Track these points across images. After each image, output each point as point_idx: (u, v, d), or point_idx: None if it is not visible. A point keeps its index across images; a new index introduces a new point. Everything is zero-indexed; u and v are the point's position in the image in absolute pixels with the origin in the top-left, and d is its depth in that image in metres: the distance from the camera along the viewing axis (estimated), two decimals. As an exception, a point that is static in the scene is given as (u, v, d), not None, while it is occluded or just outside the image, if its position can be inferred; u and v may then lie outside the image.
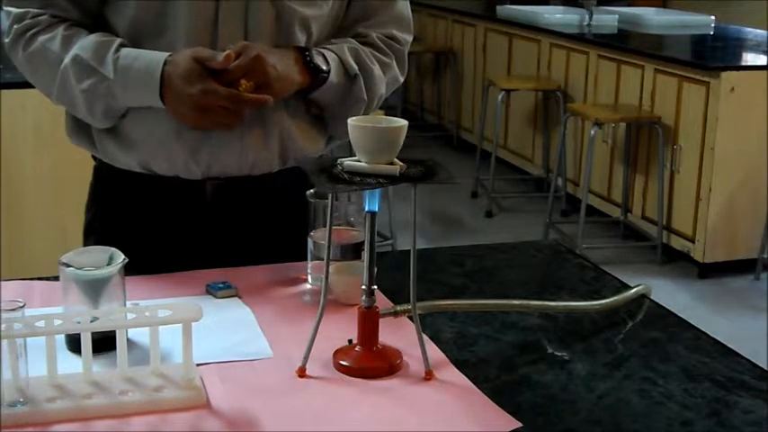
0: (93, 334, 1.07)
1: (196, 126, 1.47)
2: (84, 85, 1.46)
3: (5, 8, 1.52)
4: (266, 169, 1.56)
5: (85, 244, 1.60)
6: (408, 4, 1.65)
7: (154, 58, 1.44)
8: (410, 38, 1.65)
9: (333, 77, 1.52)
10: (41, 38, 1.48)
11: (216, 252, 1.54)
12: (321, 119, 1.61)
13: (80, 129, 1.57)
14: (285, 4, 1.49)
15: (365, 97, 1.57)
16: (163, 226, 1.56)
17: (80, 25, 1.50)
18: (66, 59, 1.46)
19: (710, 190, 4.36)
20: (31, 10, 1.49)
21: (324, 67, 1.51)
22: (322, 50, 1.53)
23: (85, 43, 1.46)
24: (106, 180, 1.61)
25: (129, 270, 1.22)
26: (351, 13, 1.59)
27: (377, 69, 1.58)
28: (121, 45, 1.46)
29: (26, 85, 1.60)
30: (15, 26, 1.50)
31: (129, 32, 1.48)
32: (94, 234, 1.62)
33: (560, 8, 6.56)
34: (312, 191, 1.40)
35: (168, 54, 1.44)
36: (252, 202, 1.57)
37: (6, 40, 1.52)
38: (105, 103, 1.47)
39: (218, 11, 1.46)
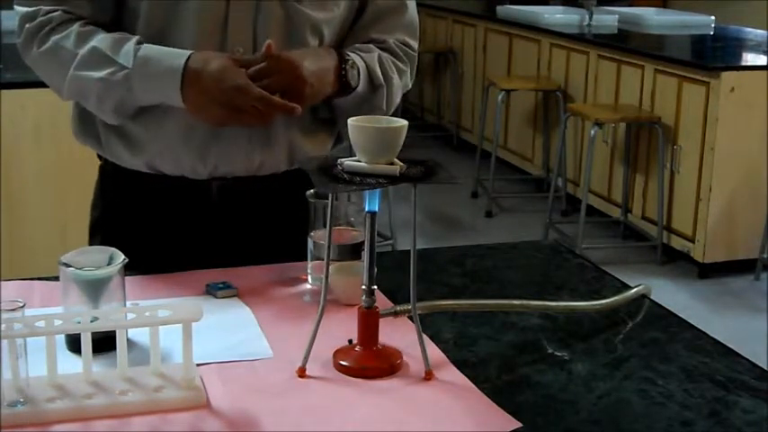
0: (93, 334, 1.07)
1: (221, 124, 1.46)
2: (101, 74, 1.43)
3: (16, 7, 1.51)
4: (273, 170, 1.56)
5: (91, 243, 1.60)
6: (416, 11, 1.66)
7: (176, 52, 1.43)
8: (417, 44, 1.65)
9: (359, 87, 1.52)
10: (55, 36, 1.46)
11: (218, 251, 1.54)
12: (329, 120, 1.61)
13: (87, 129, 1.57)
14: (295, 7, 1.49)
15: (384, 107, 1.57)
16: (169, 225, 1.57)
17: (94, 24, 1.48)
18: (83, 51, 1.44)
19: (710, 190, 4.35)
20: (42, 7, 1.47)
21: (353, 83, 1.50)
22: (355, 58, 1.52)
23: (103, 37, 1.45)
24: (112, 179, 1.61)
25: (132, 269, 1.22)
26: (364, 18, 1.59)
27: (396, 78, 1.58)
28: (141, 41, 1.45)
29: (26, 85, 1.60)
30: (27, 25, 1.47)
31: (139, 32, 1.47)
32: (100, 233, 1.62)
33: (560, 8, 6.55)
34: (312, 191, 1.40)
35: (191, 51, 1.43)
36: (258, 201, 1.57)
37: (19, 41, 1.50)
38: (119, 95, 1.44)
39: (228, 12, 1.46)
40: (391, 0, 1.59)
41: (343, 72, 1.49)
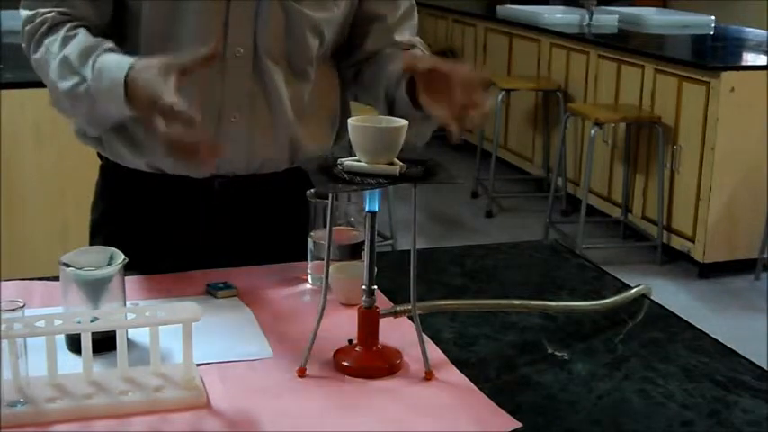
0: (93, 334, 1.07)
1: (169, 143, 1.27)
2: (68, 85, 1.38)
3: (20, 10, 1.51)
4: (274, 168, 1.56)
5: (92, 243, 1.60)
6: None
7: (123, 61, 1.32)
8: None
9: None
10: (47, 40, 1.43)
11: (219, 251, 1.54)
12: (330, 118, 1.61)
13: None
14: (295, 7, 1.48)
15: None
16: (170, 224, 1.56)
17: (89, 26, 1.44)
18: (58, 59, 1.40)
19: (710, 190, 4.36)
20: (40, 10, 1.46)
21: None
22: None
23: (77, 43, 1.40)
24: (112, 178, 1.60)
25: (133, 269, 1.21)
26: (388, 19, 1.57)
27: None
28: (111, 49, 1.38)
29: (26, 85, 1.59)
30: (26, 28, 1.46)
31: (141, 33, 1.46)
32: (101, 233, 1.62)
33: (560, 8, 6.55)
34: (312, 191, 1.40)
35: (134, 60, 1.32)
36: (259, 200, 1.58)
37: (23, 45, 1.50)
38: (86, 107, 1.38)
39: (229, 12, 1.46)
40: (407, 1, 1.60)
41: None
